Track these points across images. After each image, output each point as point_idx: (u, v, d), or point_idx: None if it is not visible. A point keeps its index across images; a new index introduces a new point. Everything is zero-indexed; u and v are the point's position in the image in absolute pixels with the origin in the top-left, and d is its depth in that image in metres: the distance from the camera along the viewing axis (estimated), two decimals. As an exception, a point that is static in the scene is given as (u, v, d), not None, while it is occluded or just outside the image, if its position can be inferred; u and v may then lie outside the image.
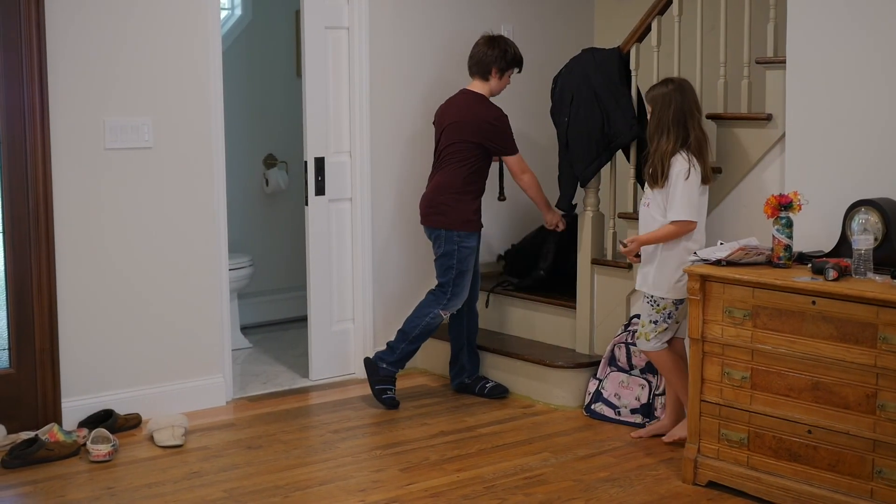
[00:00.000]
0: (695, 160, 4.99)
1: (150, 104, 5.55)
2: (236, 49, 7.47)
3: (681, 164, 4.98)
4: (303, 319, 6.53)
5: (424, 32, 6.56)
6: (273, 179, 7.76)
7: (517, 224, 6.97)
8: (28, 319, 5.33)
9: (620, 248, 5.21)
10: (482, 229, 6.02)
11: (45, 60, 5.22)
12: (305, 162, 6.21)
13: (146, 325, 5.63)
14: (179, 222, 5.69)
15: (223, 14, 7.41)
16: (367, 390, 6.00)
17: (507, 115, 5.92)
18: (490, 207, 6.51)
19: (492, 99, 5.93)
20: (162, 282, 5.66)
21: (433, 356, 6.49)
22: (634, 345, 5.54)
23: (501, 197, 6.38)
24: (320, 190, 6.22)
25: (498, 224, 6.88)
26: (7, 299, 5.32)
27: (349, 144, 6.34)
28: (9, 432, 5.22)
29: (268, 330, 7.57)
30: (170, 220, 5.65)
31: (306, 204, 6.23)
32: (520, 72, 6.03)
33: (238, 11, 7.75)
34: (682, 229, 4.99)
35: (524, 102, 6.88)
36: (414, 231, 6.50)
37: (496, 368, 6.18)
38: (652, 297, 5.15)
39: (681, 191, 4.96)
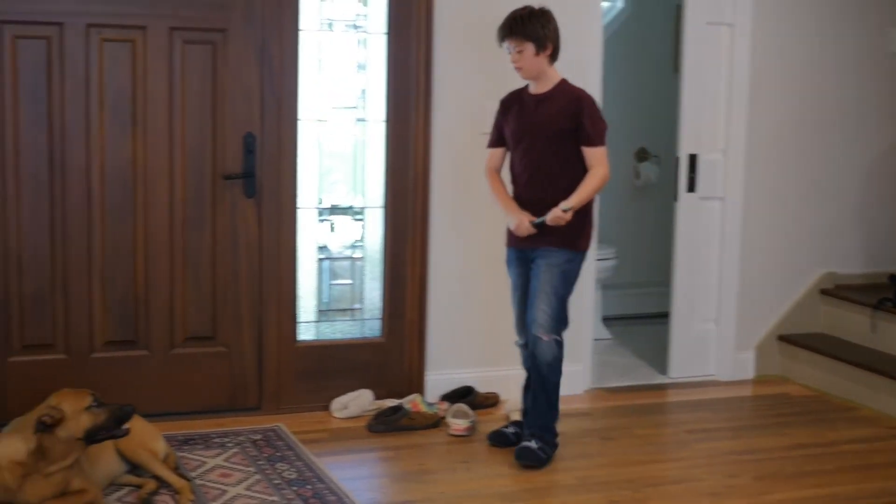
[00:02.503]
0: None
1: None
2: (615, 41, 7.46)
3: None
4: (663, 315, 6.47)
5: (810, 33, 6.33)
6: (644, 173, 7.74)
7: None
8: (401, 292, 5.56)
9: None
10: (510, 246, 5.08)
11: (432, 46, 5.43)
12: (678, 158, 6.14)
13: (509, 308, 5.72)
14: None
15: (605, 5, 7.44)
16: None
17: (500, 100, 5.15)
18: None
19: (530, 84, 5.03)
20: (528, 267, 5.73)
21: (807, 366, 6.27)
22: None
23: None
24: (691, 187, 6.14)
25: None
26: (383, 271, 5.56)
27: (724, 143, 6.20)
28: (375, 398, 5.47)
29: (628, 322, 7.55)
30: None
31: (676, 200, 6.16)
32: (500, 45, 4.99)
33: (619, 3, 7.77)
34: None
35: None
36: (781, 235, 6.34)
37: (870, 388, 5.87)
38: None
39: None
